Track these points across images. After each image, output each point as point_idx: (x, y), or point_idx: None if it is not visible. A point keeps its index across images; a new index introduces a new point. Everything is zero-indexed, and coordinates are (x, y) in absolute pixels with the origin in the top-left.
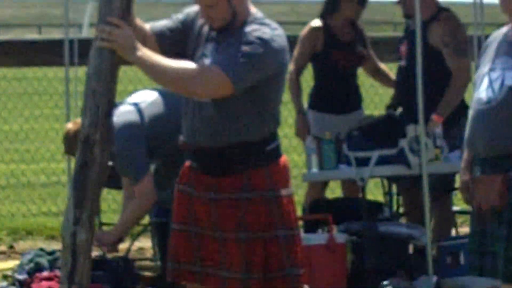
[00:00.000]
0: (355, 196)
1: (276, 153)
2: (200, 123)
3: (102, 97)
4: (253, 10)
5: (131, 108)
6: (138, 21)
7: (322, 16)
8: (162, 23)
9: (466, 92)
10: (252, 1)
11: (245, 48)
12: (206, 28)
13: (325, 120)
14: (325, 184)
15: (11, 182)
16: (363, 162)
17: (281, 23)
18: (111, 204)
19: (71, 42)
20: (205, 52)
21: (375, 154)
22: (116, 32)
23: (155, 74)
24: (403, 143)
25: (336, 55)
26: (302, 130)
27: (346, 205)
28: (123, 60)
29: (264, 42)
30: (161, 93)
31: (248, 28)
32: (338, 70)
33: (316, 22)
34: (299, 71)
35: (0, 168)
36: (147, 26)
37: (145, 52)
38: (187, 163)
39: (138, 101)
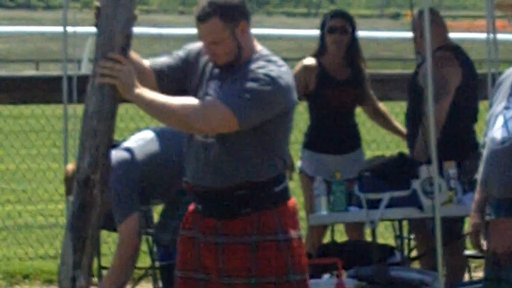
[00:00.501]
0: (358, 239)
1: (285, 194)
2: (205, 164)
3: (103, 136)
4: (259, 47)
5: (124, 148)
6: (135, 56)
7: (315, 55)
8: (162, 60)
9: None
10: (260, 36)
11: (251, 84)
12: (209, 66)
13: (321, 160)
14: (326, 227)
15: (8, 224)
16: (374, 204)
17: (288, 60)
18: (112, 246)
19: (69, 78)
20: (208, 91)
21: (386, 196)
22: (118, 68)
23: (156, 110)
24: (416, 184)
25: (329, 94)
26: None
27: (355, 249)
28: (123, 98)
29: (271, 79)
30: (157, 132)
31: (253, 65)
32: (332, 109)
33: (309, 60)
34: None
35: None
36: (146, 62)
37: (144, 90)
38: (192, 206)
39: (132, 140)
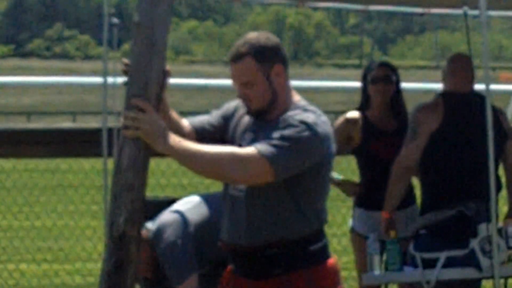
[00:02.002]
0: None
1: (322, 254)
2: (234, 221)
3: (138, 191)
4: (296, 97)
5: (175, 210)
6: (174, 114)
7: (360, 108)
8: (202, 118)
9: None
10: (310, 88)
11: (286, 132)
12: (245, 119)
13: (374, 218)
14: (379, 286)
15: (43, 284)
16: (429, 264)
17: (338, 113)
18: None
19: (109, 130)
20: (242, 144)
21: (443, 255)
22: (141, 117)
23: (190, 160)
24: (474, 243)
25: (375, 145)
26: (349, 192)
27: None
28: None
29: (307, 126)
30: (204, 197)
31: (290, 114)
32: (382, 162)
33: (352, 113)
34: None
35: (31, 269)
36: (185, 121)
37: (175, 138)
38: (229, 266)
39: (181, 203)
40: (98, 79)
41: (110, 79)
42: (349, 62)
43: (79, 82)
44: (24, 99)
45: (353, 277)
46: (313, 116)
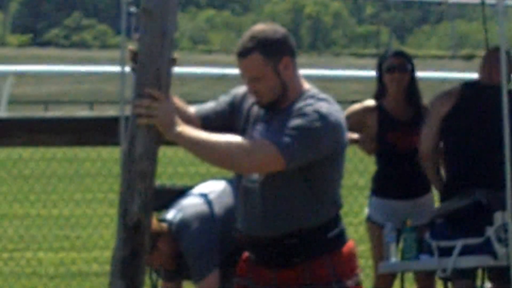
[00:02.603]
0: (428, 287)
1: (340, 239)
2: (251, 212)
3: (151, 179)
4: (307, 86)
5: (200, 200)
6: (179, 101)
7: (375, 97)
8: (208, 106)
9: None
10: (327, 77)
11: (298, 121)
12: (255, 109)
13: (391, 206)
14: (395, 275)
15: (61, 272)
16: (446, 252)
17: (356, 102)
18: None
19: (127, 119)
20: (254, 134)
21: (459, 243)
22: (155, 106)
23: (199, 149)
24: (490, 231)
25: (392, 135)
26: (364, 144)
27: None
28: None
29: (319, 115)
30: (229, 182)
31: (301, 103)
32: (399, 151)
33: (369, 103)
34: None
35: (48, 257)
36: (191, 108)
37: (186, 127)
38: (245, 254)
39: (206, 191)
40: (115, 68)
41: (127, 68)
42: (367, 51)
43: (97, 71)
44: (41, 88)
45: (369, 266)
46: (326, 105)
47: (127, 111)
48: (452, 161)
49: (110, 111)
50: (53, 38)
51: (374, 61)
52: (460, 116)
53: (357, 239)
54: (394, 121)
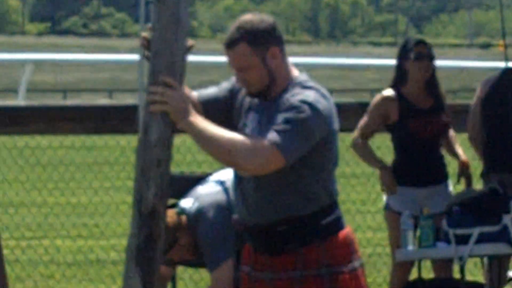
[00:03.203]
0: (446, 276)
1: (335, 226)
2: (244, 199)
3: (166, 166)
4: (295, 73)
5: (218, 187)
6: (185, 88)
7: (394, 86)
8: (210, 91)
9: None
10: (345, 66)
11: (288, 114)
12: (248, 97)
13: (408, 194)
14: (412, 263)
15: (78, 259)
16: (462, 240)
17: (373, 90)
18: (188, 283)
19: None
20: (247, 122)
21: (475, 231)
22: (169, 93)
23: (205, 142)
24: (507, 219)
25: (414, 124)
26: (391, 185)
27: (443, 286)
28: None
29: (307, 105)
30: None
31: (290, 93)
32: (418, 140)
33: (388, 92)
34: (362, 137)
35: (66, 245)
36: (194, 94)
37: (197, 117)
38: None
39: (223, 179)
40: (134, 57)
41: None
42: (384, 40)
43: (116, 59)
44: (60, 76)
45: (387, 254)
46: (313, 93)
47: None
48: (489, 145)
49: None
50: (72, 26)
51: (391, 50)
52: (494, 101)
53: (374, 227)
54: (416, 109)
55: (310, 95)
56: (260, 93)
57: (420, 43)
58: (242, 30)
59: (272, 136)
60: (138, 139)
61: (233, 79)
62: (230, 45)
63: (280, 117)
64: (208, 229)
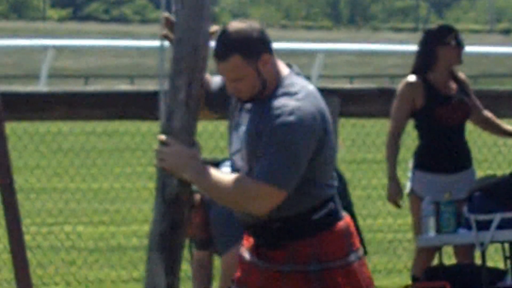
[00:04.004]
0: (467, 262)
1: (328, 220)
2: None
3: None
4: (285, 72)
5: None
6: (207, 76)
7: (418, 71)
8: (217, 79)
9: None
10: (366, 51)
11: (276, 138)
12: None
13: (432, 180)
14: (434, 249)
15: (100, 246)
16: (484, 225)
17: (394, 76)
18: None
19: (166, 94)
20: (240, 121)
21: (497, 217)
22: (164, 151)
23: (210, 193)
24: None
25: (440, 111)
26: (393, 197)
27: (464, 272)
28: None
29: (293, 119)
30: None
31: (275, 103)
32: (443, 126)
33: (413, 77)
34: (398, 130)
35: (88, 231)
36: (209, 77)
37: (199, 169)
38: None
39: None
40: (155, 43)
41: (167, 43)
42: (405, 25)
43: (137, 45)
44: (81, 62)
45: (407, 239)
46: (293, 103)
47: (167, 85)
48: None
49: (149, 86)
50: (93, 12)
51: (412, 35)
52: None
53: (395, 213)
54: (442, 96)
55: (289, 108)
56: (252, 99)
57: (452, 29)
58: (233, 41)
59: (262, 173)
60: (161, 126)
61: None
62: (222, 58)
63: (264, 147)
64: (220, 212)
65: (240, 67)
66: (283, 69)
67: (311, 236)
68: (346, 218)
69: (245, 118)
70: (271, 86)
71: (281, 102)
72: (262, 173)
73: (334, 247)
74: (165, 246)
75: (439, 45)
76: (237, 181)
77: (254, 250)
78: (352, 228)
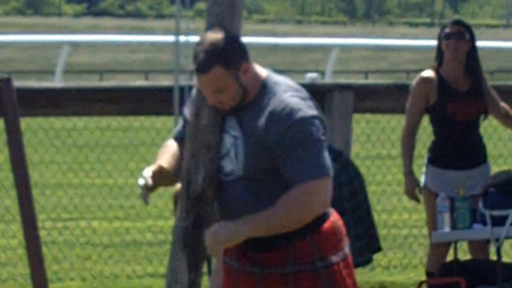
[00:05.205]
0: (482, 258)
1: (321, 218)
2: (226, 204)
3: (215, 150)
4: (263, 74)
5: None
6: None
7: (434, 67)
8: (180, 125)
9: None
10: (382, 46)
11: (292, 138)
12: None
13: (446, 176)
14: (449, 244)
15: (115, 241)
16: (499, 221)
17: (410, 71)
18: None
19: (181, 89)
20: (226, 127)
21: None
22: (208, 243)
23: (269, 228)
24: None
25: (452, 107)
26: (411, 191)
27: (479, 268)
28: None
29: (301, 120)
30: None
31: (276, 106)
32: (457, 122)
33: (427, 73)
34: (412, 126)
35: (103, 226)
36: (172, 147)
37: (244, 224)
38: None
39: None
40: (170, 38)
41: (182, 38)
42: (421, 20)
43: (152, 40)
44: (96, 57)
45: (422, 235)
46: (292, 99)
47: (182, 80)
48: None
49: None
50: (108, 7)
51: (428, 30)
52: None
53: (410, 208)
54: (454, 91)
55: (293, 104)
56: (235, 108)
57: (455, 23)
58: (214, 53)
59: (307, 173)
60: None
61: (186, 105)
62: (204, 70)
63: (292, 150)
64: None
65: (222, 78)
66: (261, 71)
67: (308, 236)
68: (333, 213)
69: (233, 123)
70: (254, 89)
71: (282, 102)
72: (307, 173)
73: (331, 242)
74: (188, 242)
75: (442, 39)
76: (286, 200)
77: (242, 256)
78: (341, 221)
